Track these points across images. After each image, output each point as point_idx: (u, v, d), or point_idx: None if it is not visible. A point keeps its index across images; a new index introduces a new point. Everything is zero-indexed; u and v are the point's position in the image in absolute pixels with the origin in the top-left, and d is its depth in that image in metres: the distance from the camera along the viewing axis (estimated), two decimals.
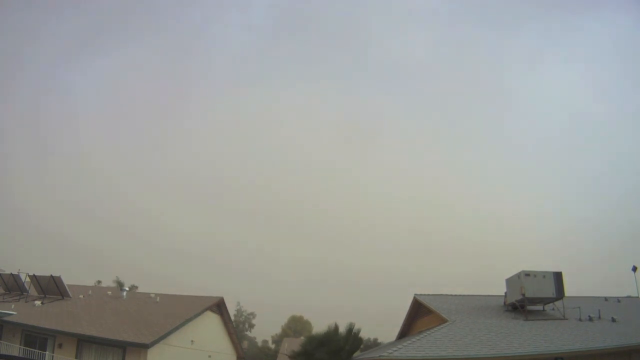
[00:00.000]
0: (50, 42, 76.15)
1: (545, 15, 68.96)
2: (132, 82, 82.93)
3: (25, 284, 26.42)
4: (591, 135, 67.52)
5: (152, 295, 27.98)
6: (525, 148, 72.04)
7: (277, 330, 66.13)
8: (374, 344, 38.54)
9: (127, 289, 28.85)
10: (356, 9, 76.04)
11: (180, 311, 24.29)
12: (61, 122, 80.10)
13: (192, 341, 23.59)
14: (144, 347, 18.82)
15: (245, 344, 52.51)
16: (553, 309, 18.98)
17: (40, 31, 71.04)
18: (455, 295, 22.31)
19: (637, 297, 22.51)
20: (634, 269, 22.13)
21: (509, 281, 19.62)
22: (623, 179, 59.44)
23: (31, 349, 19.67)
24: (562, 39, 71.01)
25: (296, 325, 63.86)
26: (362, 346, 23.44)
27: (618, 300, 22.58)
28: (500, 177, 76.45)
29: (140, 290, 29.88)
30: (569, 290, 18.43)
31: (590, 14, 66.08)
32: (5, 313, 20.17)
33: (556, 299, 18.52)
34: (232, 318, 33.77)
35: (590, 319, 18.20)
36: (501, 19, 69.93)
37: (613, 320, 18.17)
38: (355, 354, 20.41)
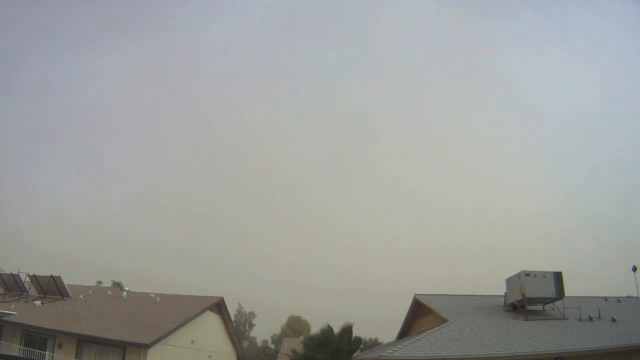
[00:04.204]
0: (49, 40, 76.25)
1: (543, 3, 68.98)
2: (129, 81, 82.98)
3: (25, 284, 26.41)
4: (590, 133, 67.46)
5: (152, 295, 27.93)
6: (525, 147, 72.08)
7: (277, 330, 66.31)
8: (374, 344, 38.55)
9: (127, 289, 28.76)
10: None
11: (180, 311, 24.28)
12: (65, 120, 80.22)
13: (192, 341, 23.59)
14: (144, 347, 18.82)
15: (245, 344, 52.51)
16: (553, 309, 18.99)
17: (44, 27, 71.20)
18: (455, 295, 22.29)
19: (637, 297, 22.50)
20: (634, 269, 22.11)
21: (509, 281, 19.62)
22: (623, 178, 59.43)
23: (31, 349, 19.68)
24: (559, 27, 70.73)
25: (295, 325, 63.94)
26: (361, 346, 23.42)
27: (618, 300, 22.57)
28: (500, 177, 76.50)
29: (140, 290, 29.75)
30: (569, 290, 18.48)
31: (589, 3, 66.06)
32: (5, 313, 20.17)
33: (556, 299, 18.53)
34: (232, 318, 33.76)
35: (590, 319, 18.20)
36: (497, 7, 69.92)
37: (613, 320, 18.18)
38: (355, 354, 20.40)
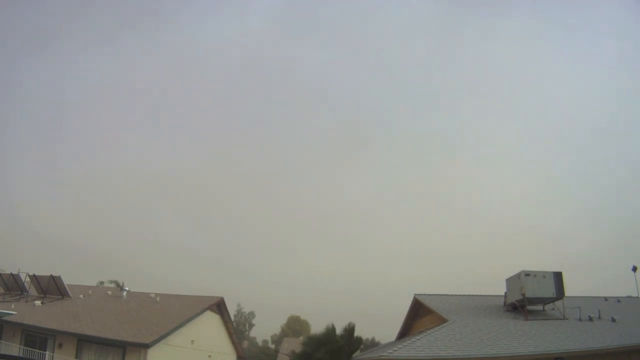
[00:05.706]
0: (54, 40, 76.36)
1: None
2: (129, 81, 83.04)
3: (25, 284, 26.41)
4: (590, 133, 67.34)
5: (152, 295, 27.94)
6: (524, 146, 72.10)
7: (277, 330, 66.37)
8: (374, 344, 38.57)
9: (127, 289, 28.77)
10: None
11: (180, 311, 24.30)
12: (62, 119, 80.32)
13: (192, 341, 23.59)
14: (144, 347, 18.83)
15: (245, 343, 52.51)
16: (553, 309, 18.97)
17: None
18: (455, 295, 22.28)
19: (637, 297, 22.50)
20: (634, 269, 22.12)
21: (509, 281, 19.61)
22: (623, 178, 59.35)
23: (31, 349, 19.70)
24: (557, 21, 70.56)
25: (295, 325, 63.97)
26: (361, 346, 23.43)
27: (618, 300, 22.56)
28: (500, 177, 76.53)
29: (140, 290, 29.76)
30: (569, 290, 18.46)
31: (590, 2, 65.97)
32: (5, 313, 20.17)
33: (556, 299, 18.52)
34: (232, 318, 33.75)
35: (590, 319, 18.19)
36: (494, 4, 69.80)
37: (613, 320, 18.17)
38: (355, 354, 20.40)
